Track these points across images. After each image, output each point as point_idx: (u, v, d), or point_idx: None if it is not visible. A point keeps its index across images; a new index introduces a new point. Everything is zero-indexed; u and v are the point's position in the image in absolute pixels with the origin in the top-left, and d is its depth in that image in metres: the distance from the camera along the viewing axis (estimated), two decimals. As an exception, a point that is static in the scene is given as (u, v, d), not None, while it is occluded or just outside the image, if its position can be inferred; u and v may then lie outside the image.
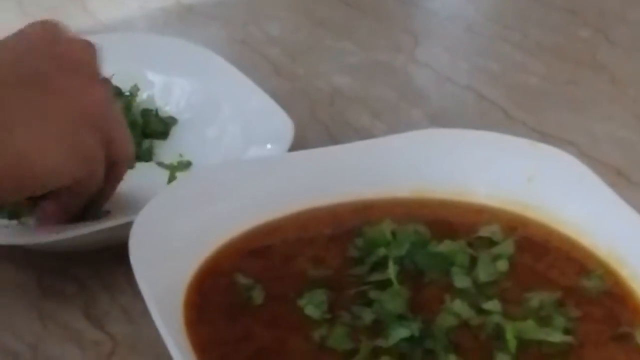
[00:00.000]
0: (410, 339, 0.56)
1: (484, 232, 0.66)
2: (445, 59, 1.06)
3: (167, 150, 0.84)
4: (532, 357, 0.56)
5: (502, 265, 0.63)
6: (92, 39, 0.68)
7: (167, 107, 0.89)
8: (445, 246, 0.63)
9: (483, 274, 0.62)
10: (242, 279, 0.61)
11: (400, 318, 0.58)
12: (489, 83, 1.00)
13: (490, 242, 0.65)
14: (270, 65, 1.03)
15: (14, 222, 0.72)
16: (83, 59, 0.66)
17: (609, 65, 1.04)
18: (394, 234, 0.64)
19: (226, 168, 0.71)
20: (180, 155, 0.83)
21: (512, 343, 0.56)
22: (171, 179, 0.80)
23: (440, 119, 0.92)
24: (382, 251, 0.63)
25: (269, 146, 0.78)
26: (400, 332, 0.57)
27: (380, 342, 0.56)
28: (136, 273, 0.56)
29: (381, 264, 0.62)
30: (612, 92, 0.99)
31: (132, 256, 0.57)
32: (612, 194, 0.66)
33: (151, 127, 0.86)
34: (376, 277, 0.62)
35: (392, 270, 0.60)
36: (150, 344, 0.63)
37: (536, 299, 0.60)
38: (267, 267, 0.63)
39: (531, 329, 0.57)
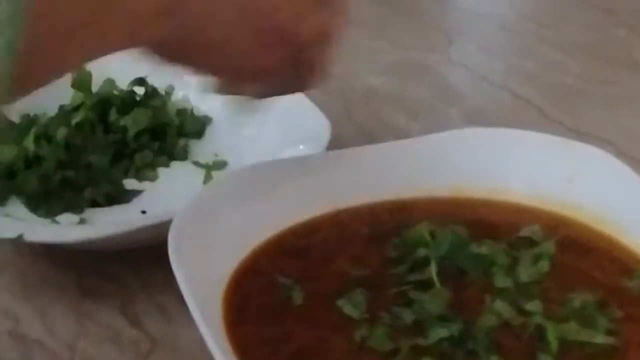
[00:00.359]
0: (450, 339, 0.56)
1: (525, 232, 0.65)
2: (480, 58, 1.06)
3: (202, 150, 0.84)
4: (575, 358, 0.56)
5: (544, 265, 0.62)
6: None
7: (202, 107, 0.89)
8: (485, 247, 0.63)
9: (524, 274, 0.61)
10: (281, 279, 0.61)
11: (441, 318, 0.57)
12: (524, 82, 0.99)
13: (531, 242, 0.64)
14: (304, 65, 1.03)
15: (51, 220, 0.73)
16: None
17: (643, 63, 1.03)
18: (432, 234, 0.64)
19: (264, 167, 0.70)
20: (216, 155, 0.83)
21: (553, 344, 0.56)
22: (207, 178, 0.80)
23: (476, 119, 0.92)
24: (421, 252, 0.63)
25: (304, 146, 0.78)
26: (440, 332, 0.56)
27: (421, 342, 0.56)
28: (176, 272, 0.56)
29: (420, 264, 0.62)
30: (647, 90, 0.98)
31: (171, 255, 0.57)
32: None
33: (186, 126, 0.86)
34: (415, 277, 0.61)
35: (433, 270, 0.60)
36: (189, 344, 0.63)
37: (578, 299, 0.59)
38: (305, 266, 0.63)
39: (573, 330, 0.57)
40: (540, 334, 0.57)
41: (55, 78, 0.47)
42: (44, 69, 0.45)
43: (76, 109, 0.84)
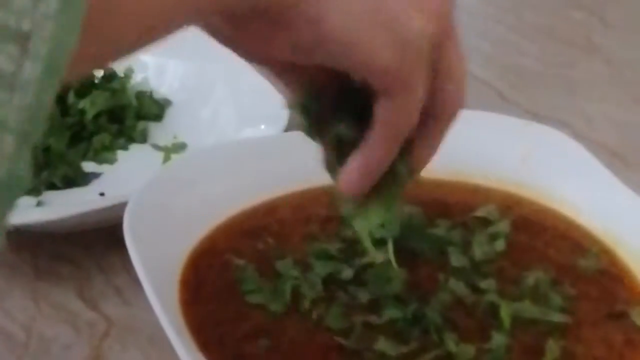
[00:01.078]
0: (404, 319, 0.56)
1: (480, 212, 0.66)
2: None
3: (161, 132, 0.84)
4: (528, 336, 0.56)
5: (499, 244, 0.63)
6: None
7: (161, 88, 0.88)
8: (440, 228, 0.63)
9: (479, 253, 0.62)
10: (237, 260, 0.61)
11: (396, 298, 0.57)
12: (483, 64, 1.00)
13: (486, 222, 0.65)
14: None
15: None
16: None
17: (603, 47, 1.03)
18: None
19: (221, 149, 0.70)
20: (175, 137, 0.82)
21: (506, 321, 0.56)
22: (166, 160, 0.80)
23: (434, 100, 0.91)
24: (377, 232, 0.63)
25: (263, 127, 0.78)
26: (394, 313, 0.56)
27: (375, 320, 0.56)
28: (131, 253, 0.56)
29: (376, 245, 0.62)
30: (607, 73, 0.99)
31: (127, 237, 0.57)
32: (608, 173, 0.66)
33: (146, 109, 0.86)
34: (371, 257, 0.61)
35: (390, 251, 0.60)
36: (145, 325, 0.62)
37: (532, 277, 0.60)
38: (262, 247, 0.63)
39: (527, 308, 0.57)
40: (493, 311, 0.57)
41: None
42: None
43: (33, 91, 0.83)
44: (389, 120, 0.46)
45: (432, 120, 0.48)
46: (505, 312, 0.56)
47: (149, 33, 0.38)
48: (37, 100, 0.29)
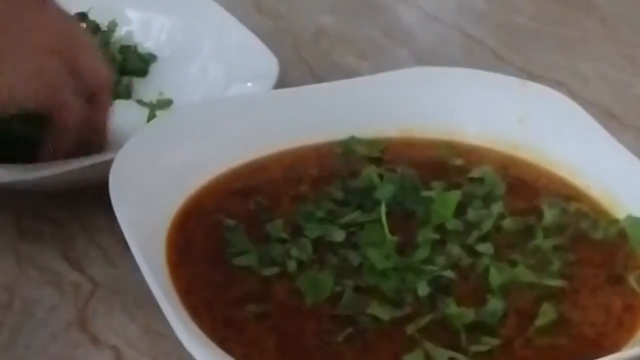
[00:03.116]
0: (396, 284, 0.55)
1: (476, 172, 0.64)
2: (431, -3, 1.04)
3: (146, 88, 0.82)
4: (525, 300, 0.55)
5: (496, 207, 0.61)
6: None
7: (146, 43, 0.86)
8: (435, 190, 0.62)
9: (475, 215, 0.60)
10: (226, 220, 0.59)
11: (387, 262, 0.56)
12: (476, 22, 0.98)
13: (482, 183, 0.63)
14: (251, 1, 1.00)
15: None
16: None
17: (599, 5, 1.02)
18: (381, 176, 0.63)
19: (209, 106, 0.68)
20: (160, 93, 0.81)
21: (495, 287, 0.55)
22: (151, 117, 0.78)
23: (426, 59, 0.90)
24: (370, 195, 0.62)
25: (250, 84, 0.76)
26: (385, 284, 0.55)
27: (365, 284, 0.55)
28: (117, 213, 0.54)
29: (368, 207, 0.61)
30: (602, 32, 0.97)
31: (112, 195, 0.55)
32: (605, 133, 0.64)
33: (130, 64, 0.83)
34: (362, 219, 0.60)
35: (383, 214, 0.58)
36: (131, 286, 0.61)
37: (531, 242, 0.58)
38: (252, 207, 0.61)
39: (523, 272, 0.56)
40: (488, 275, 0.56)
41: None
42: None
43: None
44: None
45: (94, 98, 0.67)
46: (500, 277, 0.55)
47: None
48: None
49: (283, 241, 0.58)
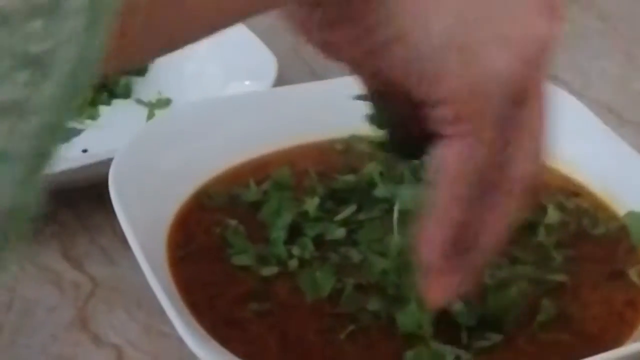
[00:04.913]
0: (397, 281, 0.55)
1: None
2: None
3: (145, 87, 0.82)
4: (527, 296, 0.55)
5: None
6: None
7: (145, 42, 0.86)
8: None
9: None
10: (226, 219, 0.59)
11: (387, 261, 0.56)
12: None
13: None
14: None
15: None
16: None
17: (597, 1, 1.01)
18: (382, 174, 0.63)
19: (208, 104, 0.68)
20: (159, 93, 0.80)
21: (498, 282, 0.54)
22: (150, 116, 0.77)
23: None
24: (369, 192, 0.61)
25: (248, 82, 0.76)
26: (386, 282, 0.55)
27: (365, 280, 0.55)
28: (117, 212, 0.54)
29: (369, 204, 0.61)
30: (601, 28, 0.97)
31: (112, 195, 0.55)
32: (606, 129, 0.64)
33: (129, 64, 0.83)
34: (363, 216, 0.60)
35: (395, 218, 0.57)
36: (132, 285, 0.60)
37: (533, 238, 0.58)
38: (252, 205, 0.61)
39: (523, 269, 0.56)
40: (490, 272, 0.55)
41: None
42: None
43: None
44: (449, 164, 0.41)
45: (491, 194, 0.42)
46: (496, 274, 0.55)
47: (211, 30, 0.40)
48: (52, 123, 0.26)
49: (284, 241, 0.58)
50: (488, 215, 0.42)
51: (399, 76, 0.40)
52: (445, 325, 0.52)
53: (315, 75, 0.86)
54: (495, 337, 0.52)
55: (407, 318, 0.52)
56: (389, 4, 0.38)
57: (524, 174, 0.42)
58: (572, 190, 0.64)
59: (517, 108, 0.40)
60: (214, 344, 0.49)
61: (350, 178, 0.63)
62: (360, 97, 0.46)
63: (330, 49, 0.43)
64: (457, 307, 0.52)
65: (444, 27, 0.38)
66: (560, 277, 0.56)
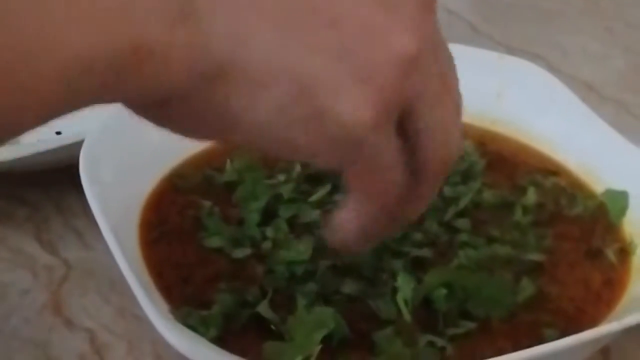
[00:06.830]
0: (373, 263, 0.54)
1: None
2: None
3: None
4: (504, 275, 0.54)
5: (475, 183, 0.60)
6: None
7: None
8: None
9: (452, 191, 0.59)
10: (199, 200, 0.58)
11: None
12: (455, -4, 0.97)
13: (461, 158, 0.63)
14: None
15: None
16: None
17: (577, -23, 1.01)
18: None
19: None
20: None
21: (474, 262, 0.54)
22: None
23: (405, 34, 0.89)
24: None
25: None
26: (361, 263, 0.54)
27: (338, 261, 0.54)
28: (87, 193, 0.53)
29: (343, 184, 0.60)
30: (581, 4, 0.96)
31: (83, 177, 0.54)
32: (584, 107, 0.64)
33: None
34: (338, 197, 0.59)
35: None
36: (106, 269, 0.60)
37: (509, 218, 0.58)
38: (226, 186, 0.60)
39: (500, 248, 0.55)
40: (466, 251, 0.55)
41: None
42: None
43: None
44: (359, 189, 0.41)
45: (415, 180, 0.41)
46: (472, 253, 0.54)
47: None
48: None
49: (258, 223, 0.57)
50: (406, 205, 0.42)
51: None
52: (424, 312, 0.51)
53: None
54: (470, 324, 0.51)
55: (384, 305, 0.51)
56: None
57: (437, 167, 0.41)
58: (550, 169, 0.63)
59: (406, 119, 0.39)
60: (183, 327, 0.48)
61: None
62: None
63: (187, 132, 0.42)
64: (437, 293, 0.51)
65: (280, 102, 0.36)
66: (537, 257, 0.55)
